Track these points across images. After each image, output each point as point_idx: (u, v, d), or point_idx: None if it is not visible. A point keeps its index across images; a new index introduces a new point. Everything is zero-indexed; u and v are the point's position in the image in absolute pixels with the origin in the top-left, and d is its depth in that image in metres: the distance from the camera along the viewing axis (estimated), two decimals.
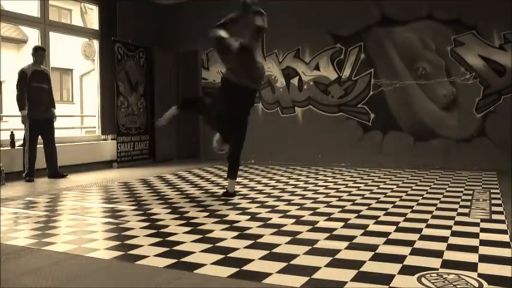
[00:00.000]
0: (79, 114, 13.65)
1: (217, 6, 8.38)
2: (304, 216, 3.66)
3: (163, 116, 5.06)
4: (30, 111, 5.98)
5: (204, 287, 2.16)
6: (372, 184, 5.34)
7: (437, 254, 2.58)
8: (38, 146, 6.15)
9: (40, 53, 6.15)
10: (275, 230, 3.21)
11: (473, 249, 2.67)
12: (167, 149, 8.72)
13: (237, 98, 4.49)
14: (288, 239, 2.95)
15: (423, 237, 2.94)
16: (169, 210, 3.96)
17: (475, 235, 2.98)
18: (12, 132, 6.24)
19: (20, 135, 6.56)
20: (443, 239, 2.88)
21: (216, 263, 2.48)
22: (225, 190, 4.78)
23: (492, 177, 5.75)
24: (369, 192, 4.79)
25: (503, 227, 3.19)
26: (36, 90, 6.07)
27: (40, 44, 6.79)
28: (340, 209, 3.91)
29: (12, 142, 6.19)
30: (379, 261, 2.47)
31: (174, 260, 2.53)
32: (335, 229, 3.20)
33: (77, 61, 14.07)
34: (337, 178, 5.92)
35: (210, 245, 2.83)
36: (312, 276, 2.25)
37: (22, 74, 6.01)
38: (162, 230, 3.23)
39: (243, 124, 4.65)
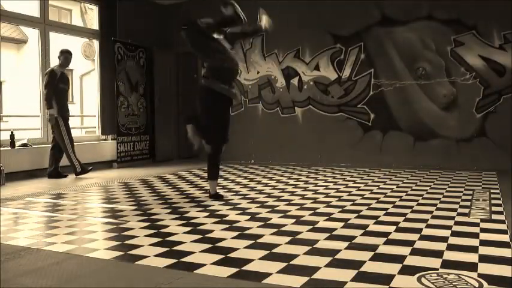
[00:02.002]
0: (79, 114, 13.65)
1: (217, 7, 8.38)
2: (304, 216, 3.66)
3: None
4: (60, 111, 6.25)
5: (204, 287, 2.16)
6: (371, 184, 5.34)
7: (437, 254, 2.58)
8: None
9: (66, 55, 6.37)
10: (275, 230, 3.21)
11: (473, 249, 2.67)
12: (167, 149, 8.72)
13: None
14: (288, 239, 2.95)
15: (423, 237, 2.94)
16: (169, 210, 3.96)
17: (475, 235, 2.98)
18: (12, 132, 6.24)
19: (20, 136, 6.57)
20: (443, 239, 2.88)
21: (216, 263, 2.48)
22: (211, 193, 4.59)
23: (492, 177, 5.75)
24: (369, 192, 4.79)
25: (503, 227, 3.19)
26: (61, 91, 6.33)
27: (40, 44, 6.80)
28: (340, 209, 3.91)
29: (12, 142, 6.19)
30: (379, 261, 2.47)
31: (174, 260, 2.54)
32: (335, 229, 3.20)
33: (77, 61, 14.05)
34: (337, 178, 5.92)
35: (210, 245, 2.83)
36: (312, 276, 2.25)
37: (53, 73, 6.23)
38: (162, 230, 3.23)
39: None
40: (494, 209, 3.81)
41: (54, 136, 6.33)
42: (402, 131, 7.05)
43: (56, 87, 6.22)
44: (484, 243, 2.79)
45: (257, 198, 4.55)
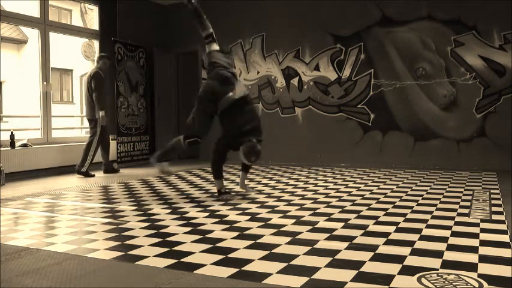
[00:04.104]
0: (79, 115, 13.65)
1: (218, 6, 8.39)
2: (304, 216, 3.66)
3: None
4: (106, 113, 6.65)
5: (204, 287, 2.16)
6: (371, 184, 5.34)
7: (437, 254, 2.58)
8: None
9: (104, 60, 6.71)
10: (275, 230, 3.21)
11: (473, 249, 2.67)
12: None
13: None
14: (288, 239, 2.95)
15: (423, 238, 2.94)
16: (169, 211, 3.96)
17: (475, 235, 2.98)
18: (12, 132, 6.24)
19: (20, 136, 6.57)
20: (443, 239, 2.88)
21: (216, 263, 2.48)
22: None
23: (492, 177, 5.75)
24: (369, 192, 4.79)
25: (503, 227, 3.19)
26: (105, 94, 6.75)
27: (40, 44, 6.80)
28: (340, 209, 3.91)
29: (12, 142, 6.19)
30: (379, 261, 2.47)
31: (174, 260, 2.54)
32: (335, 229, 3.20)
33: (77, 61, 14.08)
34: (337, 178, 5.92)
35: (210, 245, 2.83)
36: (312, 277, 2.25)
37: (99, 75, 6.56)
38: (162, 230, 3.23)
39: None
40: (494, 209, 3.81)
41: (99, 135, 6.60)
42: (402, 131, 7.05)
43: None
44: (484, 243, 2.79)
45: (257, 198, 4.55)
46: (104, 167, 6.82)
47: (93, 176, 6.50)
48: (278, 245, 2.81)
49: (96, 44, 7.80)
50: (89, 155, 6.49)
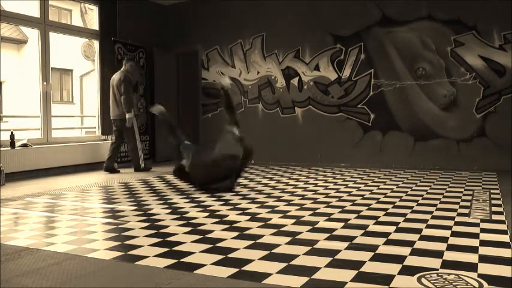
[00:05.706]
0: (79, 115, 13.68)
1: (217, 7, 8.39)
2: (304, 216, 3.66)
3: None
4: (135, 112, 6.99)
5: (204, 287, 2.16)
6: (371, 184, 5.34)
7: (437, 254, 2.58)
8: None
9: (131, 63, 7.04)
10: (275, 230, 3.21)
11: (473, 249, 2.67)
12: (167, 149, 8.71)
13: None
14: (288, 239, 2.96)
15: (423, 238, 2.94)
16: (169, 211, 3.96)
17: (475, 235, 2.98)
18: (12, 132, 6.24)
19: (20, 136, 6.57)
20: (443, 239, 2.88)
21: (216, 263, 2.48)
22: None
23: (492, 177, 5.75)
24: (369, 192, 4.79)
25: (503, 227, 3.19)
26: (132, 95, 7.04)
27: (40, 44, 6.80)
28: (340, 209, 3.91)
29: (12, 142, 6.19)
30: (379, 261, 2.47)
31: (174, 260, 2.54)
32: (335, 229, 3.20)
33: (77, 61, 14.09)
34: (337, 178, 5.92)
35: (210, 245, 2.83)
36: (312, 277, 2.25)
37: (127, 78, 6.88)
38: (162, 230, 3.23)
39: None
40: (494, 209, 3.82)
41: (118, 136, 6.94)
42: (402, 131, 7.05)
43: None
44: (484, 243, 2.79)
45: (257, 198, 4.55)
46: (105, 165, 6.83)
47: (150, 168, 7.18)
48: (278, 245, 2.81)
49: (96, 44, 7.79)
50: (138, 153, 6.98)
